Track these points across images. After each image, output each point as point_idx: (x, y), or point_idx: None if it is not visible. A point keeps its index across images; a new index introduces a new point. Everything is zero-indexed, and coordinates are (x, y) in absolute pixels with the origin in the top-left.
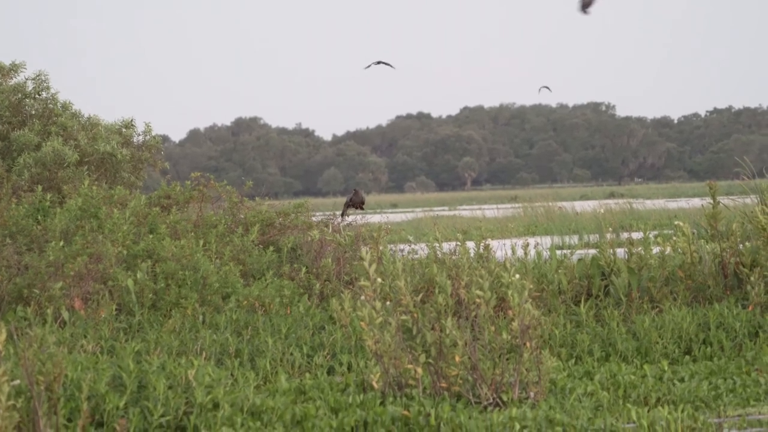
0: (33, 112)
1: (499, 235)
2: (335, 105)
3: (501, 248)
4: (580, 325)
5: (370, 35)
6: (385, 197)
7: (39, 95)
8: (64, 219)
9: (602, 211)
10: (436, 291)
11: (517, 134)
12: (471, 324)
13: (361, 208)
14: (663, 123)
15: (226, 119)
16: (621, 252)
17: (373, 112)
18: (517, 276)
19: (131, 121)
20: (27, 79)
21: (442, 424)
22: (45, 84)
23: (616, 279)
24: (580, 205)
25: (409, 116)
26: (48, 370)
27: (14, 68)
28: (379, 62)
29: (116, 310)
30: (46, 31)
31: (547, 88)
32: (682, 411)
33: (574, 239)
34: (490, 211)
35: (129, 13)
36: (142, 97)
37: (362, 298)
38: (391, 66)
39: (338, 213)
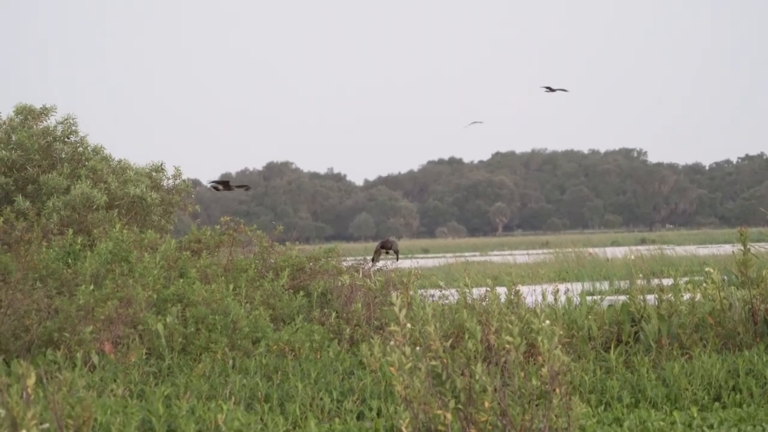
0: (62, 156)
1: (529, 281)
2: (367, 150)
3: (531, 294)
4: (610, 372)
5: (402, 80)
6: (417, 242)
7: (68, 139)
8: (94, 262)
9: (632, 257)
10: (466, 336)
11: (548, 180)
12: (501, 370)
13: (395, 252)
14: (694, 169)
15: (257, 163)
16: (651, 298)
17: (404, 157)
18: (547, 322)
19: (161, 165)
20: (57, 123)
21: None
22: (74, 127)
23: (646, 325)
24: (611, 251)
25: (440, 161)
26: (77, 413)
27: (44, 112)
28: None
29: (146, 354)
30: (77, 75)
31: (479, 122)
32: None
33: (605, 285)
34: (521, 256)
35: (159, 59)
36: (174, 142)
37: (392, 343)
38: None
39: (369, 258)
